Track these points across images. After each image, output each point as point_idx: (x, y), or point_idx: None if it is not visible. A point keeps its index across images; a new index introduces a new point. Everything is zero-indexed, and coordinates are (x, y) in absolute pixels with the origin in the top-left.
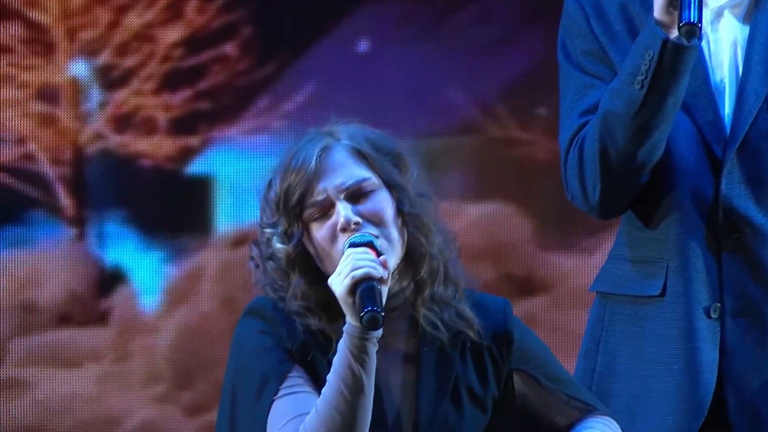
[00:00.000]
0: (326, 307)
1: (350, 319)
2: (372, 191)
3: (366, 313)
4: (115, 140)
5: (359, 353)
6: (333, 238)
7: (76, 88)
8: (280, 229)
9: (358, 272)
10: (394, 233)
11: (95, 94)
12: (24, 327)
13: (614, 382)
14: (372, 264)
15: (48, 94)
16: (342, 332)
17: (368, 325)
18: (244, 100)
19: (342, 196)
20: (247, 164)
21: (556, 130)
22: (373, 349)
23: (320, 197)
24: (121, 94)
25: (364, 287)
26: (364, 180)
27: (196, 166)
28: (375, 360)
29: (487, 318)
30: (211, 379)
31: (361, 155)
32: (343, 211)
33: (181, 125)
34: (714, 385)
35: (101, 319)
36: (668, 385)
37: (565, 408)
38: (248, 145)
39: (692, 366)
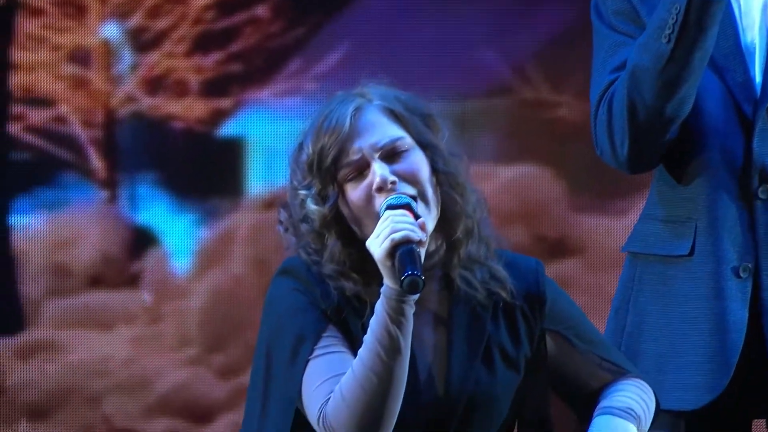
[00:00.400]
0: (361, 270)
1: (388, 282)
2: (406, 150)
3: (407, 276)
4: (147, 102)
5: (396, 315)
6: (369, 198)
7: (108, 51)
8: (314, 190)
9: (398, 235)
10: (430, 192)
11: (127, 57)
12: (56, 289)
13: (643, 342)
14: (411, 227)
15: (80, 57)
16: (376, 296)
17: (409, 288)
18: (275, 63)
19: (377, 156)
20: (279, 126)
21: (587, 92)
22: (410, 311)
23: (355, 157)
24: (152, 57)
25: (403, 250)
26: (399, 139)
27: (227, 129)
28: (412, 322)
29: (520, 278)
30: (242, 341)
31: (393, 115)
32: (379, 170)
33: (213, 87)
34: (741, 345)
35: (133, 281)
36: (696, 344)
37: (596, 370)
38: (280, 108)
39: (720, 326)
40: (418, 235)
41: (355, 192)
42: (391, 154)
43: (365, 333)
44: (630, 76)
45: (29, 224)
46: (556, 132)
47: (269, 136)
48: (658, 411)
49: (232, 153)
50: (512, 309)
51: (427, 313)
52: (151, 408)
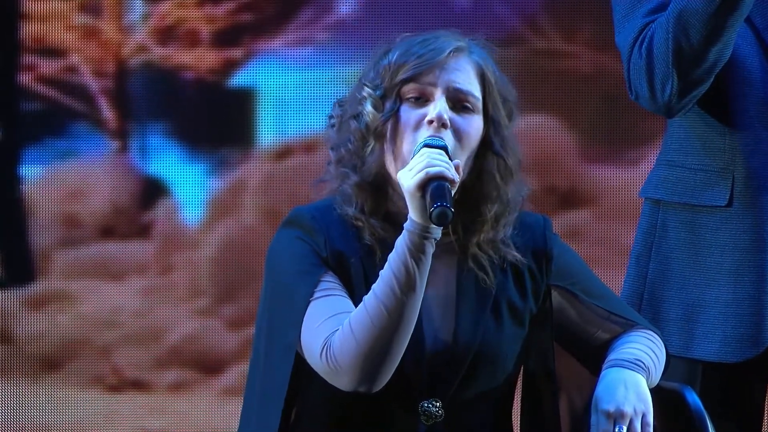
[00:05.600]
0: (372, 193)
1: (413, 215)
2: (472, 112)
3: (437, 207)
4: (158, 52)
5: (416, 251)
6: (417, 125)
7: (119, 0)
8: (379, 93)
9: (433, 169)
10: (464, 159)
11: (138, 6)
12: (67, 240)
13: (668, 289)
14: (447, 165)
15: (91, 6)
16: (377, 229)
17: (438, 220)
18: (287, 12)
19: (446, 94)
20: (290, 76)
21: (600, 41)
22: (430, 249)
23: (428, 79)
24: (164, 6)
25: (436, 184)
26: (473, 96)
27: (239, 79)
28: (430, 261)
29: (527, 235)
30: (253, 292)
31: (482, 77)
32: (440, 106)
33: (224, 37)
34: None
35: (144, 232)
36: (738, 296)
37: (605, 324)
38: (291, 58)
39: (763, 277)
40: (452, 174)
41: (407, 113)
42: (458, 105)
43: (367, 281)
44: (676, 20)
45: (40, 174)
46: (567, 82)
47: (280, 86)
48: (669, 360)
49: (243, 103)
50: (520, 265)
51: (437, 265)
52: (161, 359)
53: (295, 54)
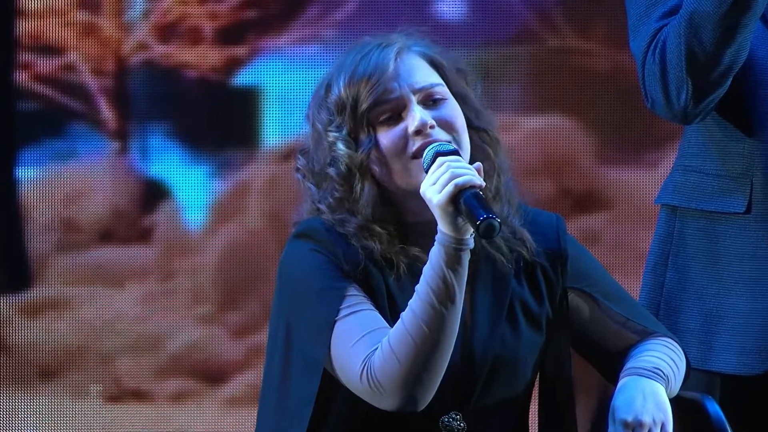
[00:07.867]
0: (383, 226)
1: (446, 229)
2: (444, 99)
3: (483, 220)
4: (159, 50)
5: (452, 263)
6: (404, 141)
7: None
8: (345, 132)
9: (461, 180)
10: (466, 141)
11: (138, 3)
12: (65, 244)
13: (686, 299)
14: (472, 171)
15: (90, 3)
16: (399, 254)
17: (486, 232)
18: (292, 9)
19: (415, 99)
20: (296, 75)
21: (615, 39)
22: (467, 258)
23: (392, 96)
24: (165, 3)
25: (469, 194)
26: (438, 85)
27: (243, 77)
28: (467, 271)
29: (540, 235)
30: (258, 298)
31: (432, 63)
32: (418, 113)
33: (228, 35)
34: None
35: (144, 236)
36: (757, 306)
37: (621, 330)
38: (297, 56)
39: None
40: (479, 180)
41: (388, 135)
42: (429, 100)
43: (389, 292)
44: (687, 23)
45: (37, 177)
46: (582, 81)
47: (286, 84)
48: (690, 369)
49: (247, 102)
50: (533, 267)
51: None
52: (162, 368)
53: (301, 52)
